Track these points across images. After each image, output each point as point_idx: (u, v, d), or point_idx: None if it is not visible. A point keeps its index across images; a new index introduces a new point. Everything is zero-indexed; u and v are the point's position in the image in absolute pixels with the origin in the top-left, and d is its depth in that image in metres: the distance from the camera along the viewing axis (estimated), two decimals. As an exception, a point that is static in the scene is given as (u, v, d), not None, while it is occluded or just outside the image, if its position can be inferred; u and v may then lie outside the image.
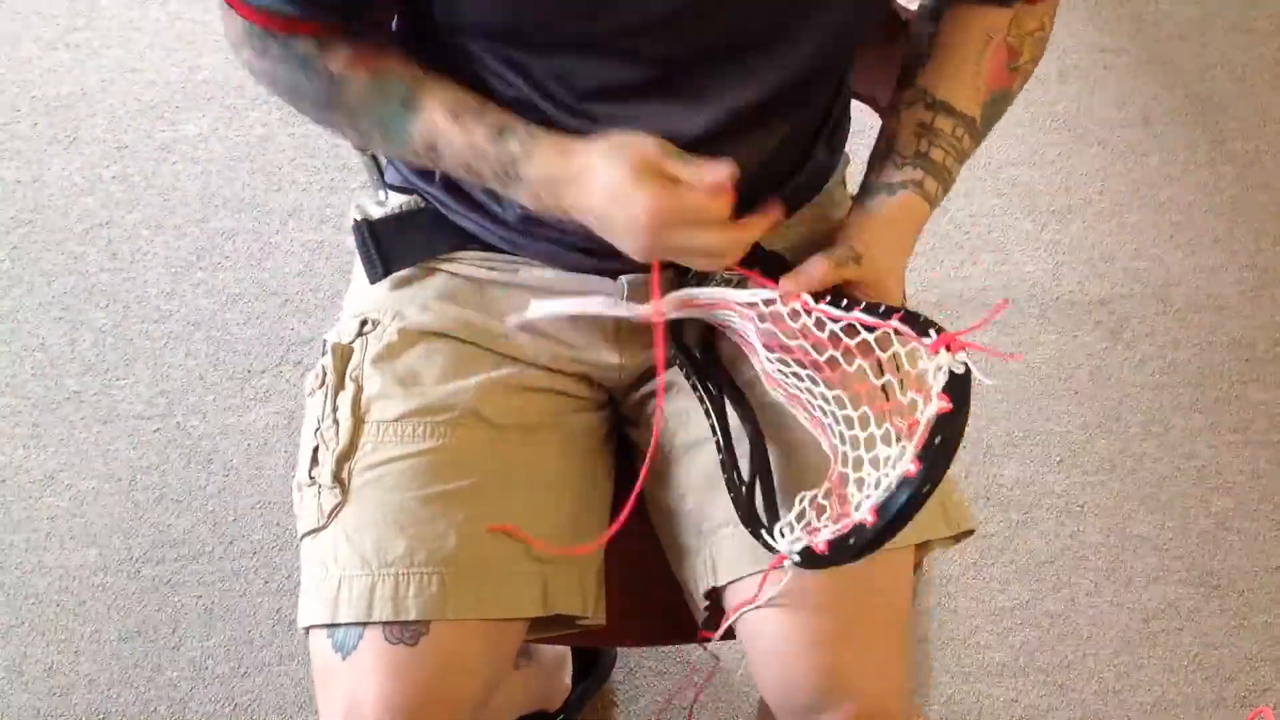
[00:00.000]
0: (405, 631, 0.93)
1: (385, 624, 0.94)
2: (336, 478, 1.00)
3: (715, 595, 1.01)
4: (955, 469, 1.04)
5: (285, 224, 1.94)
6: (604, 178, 0.86)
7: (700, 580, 1.01)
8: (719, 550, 1.00)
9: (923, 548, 1.03)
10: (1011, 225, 1.93)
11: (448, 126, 0.92)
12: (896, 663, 0.99)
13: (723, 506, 1.00)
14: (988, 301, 1.85)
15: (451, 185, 1.05)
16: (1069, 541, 1.64)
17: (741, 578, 0.98)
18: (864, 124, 1.15)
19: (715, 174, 0.83)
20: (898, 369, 0.86)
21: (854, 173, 1.22)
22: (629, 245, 0.87)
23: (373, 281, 1.08)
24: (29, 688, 1.57)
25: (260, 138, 2.04)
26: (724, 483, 1.00)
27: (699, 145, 0.89)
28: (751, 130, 0.95)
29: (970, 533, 1.04)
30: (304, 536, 1.01)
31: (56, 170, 2.02)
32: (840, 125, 1.10)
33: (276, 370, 1.80)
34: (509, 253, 1.05)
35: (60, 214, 1.97)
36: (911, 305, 1.13)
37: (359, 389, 1.03)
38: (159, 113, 2.08)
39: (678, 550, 1.05)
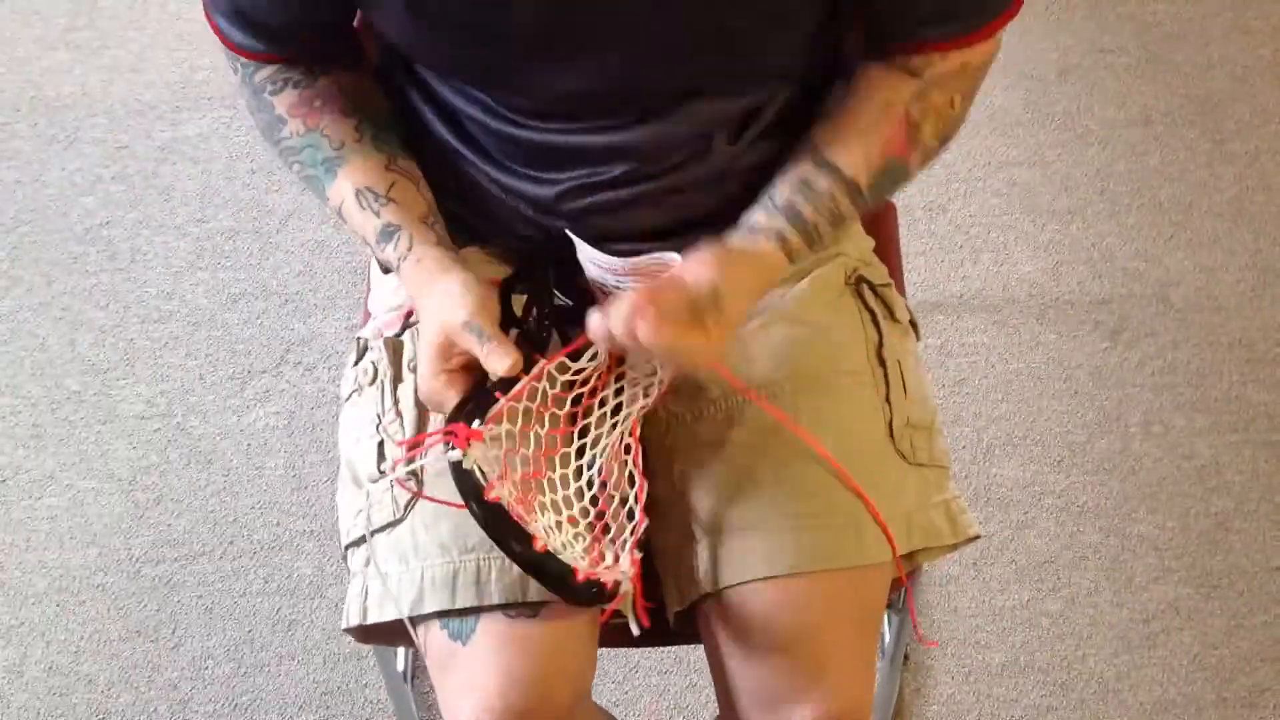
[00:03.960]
0: (522, 607, 0.96)
1: (500, 608, 0.96)
2: (409, 470, 1.00)
3: (702, 602, 1.01)
4: (954, 470, 1.04)
5: (285, 224, 1.94)
6: (422, 329, 0.95)
7: (685, 586, 1.01)
8: (714, 555, 0.99)
9: (923, 554, 1.03)
10: (1011, 225, 1.93)
11: (352, 206, 1.00)
12: (868, 670, 1.00)
13: (722, 513, 1.00)
14: (987, 302, 1.85)
15: (463, 191, 1.06)
16: (1069, 541, 1.64)
17: (746, 581, 0.98)
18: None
19: (499, 362, 0.89)
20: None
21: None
22: None
23: (385, 272, 1.08)
24: (29, 688, 1.57)
25: (260, 137, 2.04)
26: (720, 484, 1.00)
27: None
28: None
29: (974, 539, 1.04)
30: (378, 532, 1.01)
31: (56, 170, 2.02)
32: None
33: (276, 370, 1.80)
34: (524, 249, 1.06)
35: (60, 214, 1.97)
36: (911, 305, 1.13)
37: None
38: (159, 113, 2.08)
39: (662, 551, 1.05)
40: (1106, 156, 2.00)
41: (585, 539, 0.92)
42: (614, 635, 1.06)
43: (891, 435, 1.02)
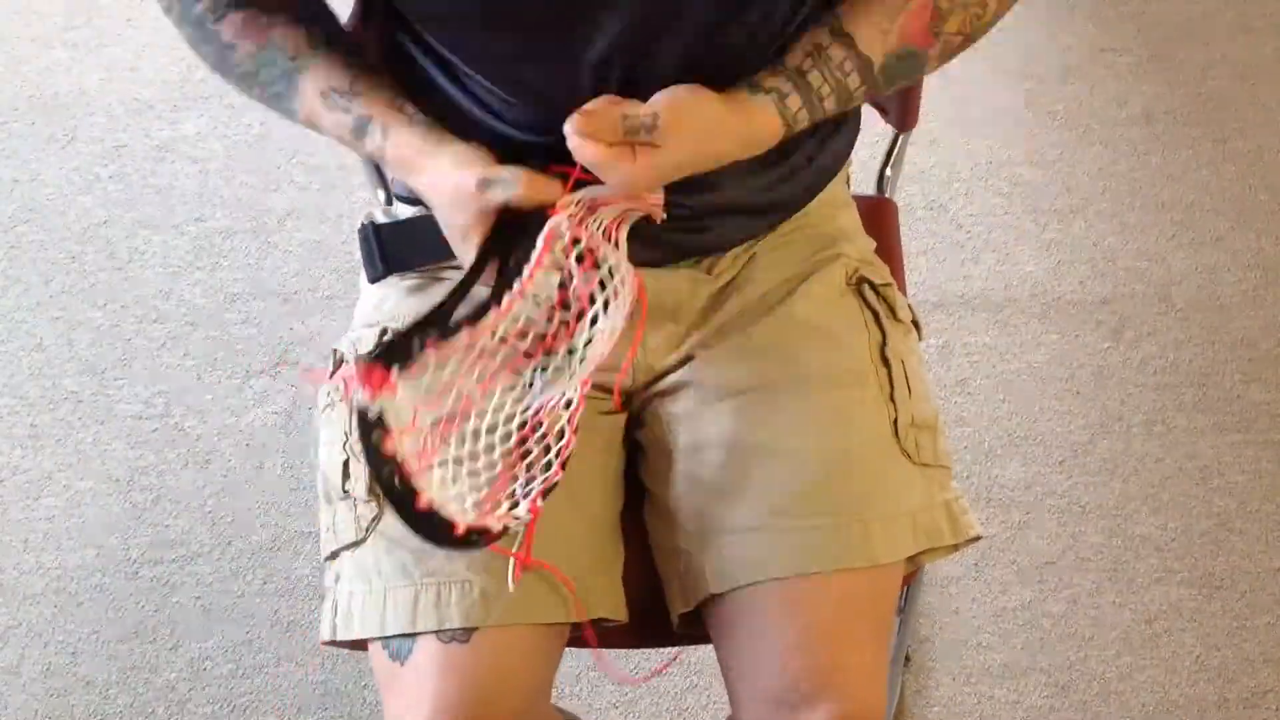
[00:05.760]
0: (456, 632, 0.94)
1: (434, 633, 0.94)
2: (371, 490, 1.00)
3: (709, 603, 1.01)
4: (956, 470, 1.04)
5: (284, 223, 1.94)
6: (441, 214, 0.94)
7: (691, 587, 1.01)
8: (720, 557, 0.99)
9: (925, 554, 1.03)
10: (1013, 225, 1.92)
11: (321, 111, 0.97)
12: (880, 671, 0.99)
13: (728, 514, 0.99)
14: (989, 302, 1.84)
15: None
16: (1070, 542, 1.64)
17: (756, 583, 0.97)
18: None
19: (541, 189, 0.89)
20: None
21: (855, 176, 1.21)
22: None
23: (372, 280, 1.08)
24: (27, 689, 1.56)
25: (258, 136, 2.03)
26: (725, 485, 0.99)
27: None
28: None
29: (975, 539, 1.04)
30: (343, 550, 1.01)
31: (54, 169, 2.02)
32: (834, 129, 1.08)
33: (275, 370, 1.79)
34: None
35: (58, 213, 1.97)
36: (912, 305, 1.13)
37: None
38: (157, 112, 2.08)
39: (665, 552, 1.04)
40: (1108, 155, 1.99)
41: (484, 488, 0.89)
42: (615, 636, 1.06)
43: (896, 434, 1.02)
